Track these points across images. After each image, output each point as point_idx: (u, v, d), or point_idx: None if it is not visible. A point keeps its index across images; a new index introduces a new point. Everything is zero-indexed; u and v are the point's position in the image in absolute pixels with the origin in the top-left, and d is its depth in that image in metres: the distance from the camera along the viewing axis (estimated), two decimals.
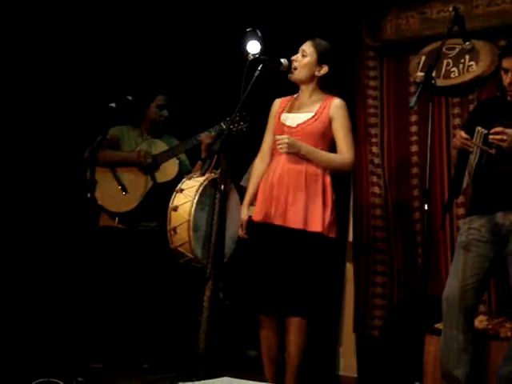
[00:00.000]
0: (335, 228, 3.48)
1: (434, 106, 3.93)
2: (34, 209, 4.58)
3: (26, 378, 3.34)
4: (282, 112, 3.61)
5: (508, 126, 3.11)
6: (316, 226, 3.39)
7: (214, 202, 3.29)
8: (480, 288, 3.25)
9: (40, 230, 4.57)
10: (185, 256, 3.50)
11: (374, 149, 4.50)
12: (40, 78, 4.60)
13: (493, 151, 3.14)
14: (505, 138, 3.07)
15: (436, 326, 3.57)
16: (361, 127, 4.51)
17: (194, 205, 3.44)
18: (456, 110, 4.26)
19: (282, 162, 3.49)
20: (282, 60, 3.49)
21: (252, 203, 3.61)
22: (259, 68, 3.36)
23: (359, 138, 4.45)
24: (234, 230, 3.56)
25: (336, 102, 3.53)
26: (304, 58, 3.54)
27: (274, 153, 3.58)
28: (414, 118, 4.40)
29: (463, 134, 3.21)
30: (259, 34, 4.26)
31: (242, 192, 3.95)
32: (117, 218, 4.15)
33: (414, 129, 4.40)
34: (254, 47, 4.37)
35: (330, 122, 3.50)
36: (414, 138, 4.39)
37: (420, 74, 4.25)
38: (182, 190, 3.53)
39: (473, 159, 3.22)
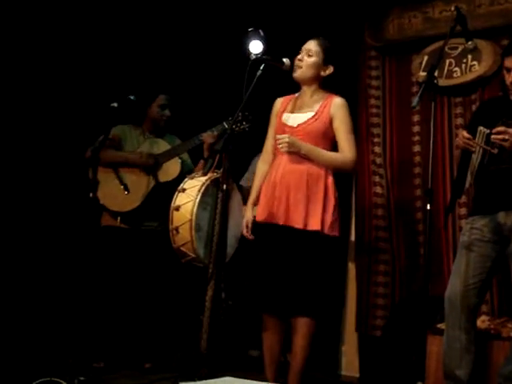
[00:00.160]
0: (338, 227, 3.46)
1: (437, 106, 3.93)
2: (37, 208, 4.57)
3: (27, 377, 3.34)
4: (284, 112, 3.59)
5: (510, 126, 3.10)
6: (316, 225, 3.37)
7: (216, 201, 3.29)
8: (482, 288, 3.24)
9: (42, 229, 4.57)
10: (187, 255, 3.50)
11: (376, 149, 4.49)
12: (42, 78, 4.59)
13: (495, 151, 3.13)
14: (507, 137, 3.07)
15: (438, 325, 3.57)
16: (363, 127, 4.51)
17: (196, 204, 3.44)
18: (458, 110, 4.25)
19: (284, 162, 3.47)
20: (284, 60, 3.47)
21: (256, 204, 3.59)
22: (261, 68, 3.35)
23: (361, 137, 4.45)
24: (236, 229, 3.56)
25: (336, 101, 3.50)
26: (310, 58, 3.51)
27: (276, 152, 3.56)
28: (416, 118, 4.39)
29: (465, 133, 3.20)
30: (261, 33, 4.27)
31: (241, 191, 3.96)
32: (119, 218, 4.15)
33: (416, 129, 4.40)
34: (256, 47, 4.38)
35: (330, 120, 3.48)
36: (417, 137, 4.39)
37: (422, 73, 4.25)
38: (184, 190, 3.53)
39: (475, 159, 3.21)
